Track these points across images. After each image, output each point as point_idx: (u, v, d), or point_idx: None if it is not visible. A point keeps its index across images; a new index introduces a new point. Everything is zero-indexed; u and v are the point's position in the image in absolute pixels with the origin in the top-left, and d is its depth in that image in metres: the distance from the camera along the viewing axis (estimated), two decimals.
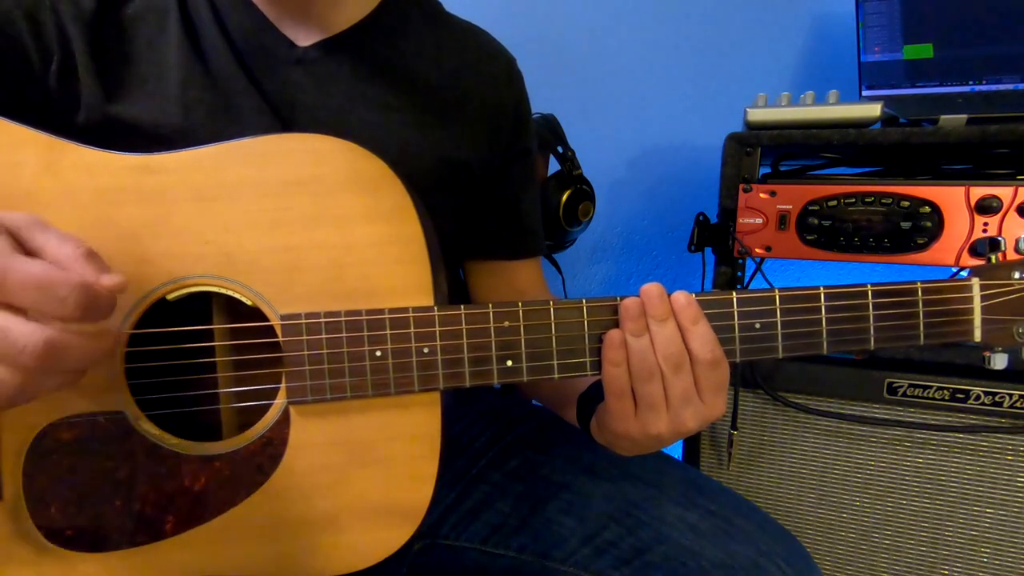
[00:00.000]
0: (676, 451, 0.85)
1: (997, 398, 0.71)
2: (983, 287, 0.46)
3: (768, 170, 0.85)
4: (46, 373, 0.34)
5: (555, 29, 1.18)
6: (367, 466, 0.45)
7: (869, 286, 0.45)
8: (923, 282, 0.46)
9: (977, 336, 0.46)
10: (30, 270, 0.32)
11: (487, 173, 0.66)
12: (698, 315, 0.43)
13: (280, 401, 0.44)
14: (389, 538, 0.46)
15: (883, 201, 0.72)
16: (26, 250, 0.34)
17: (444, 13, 0.67)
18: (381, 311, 0.43)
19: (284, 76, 0.56)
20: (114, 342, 0.39)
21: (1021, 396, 0.70)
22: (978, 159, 0.81)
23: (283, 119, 0.55)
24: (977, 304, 0.46)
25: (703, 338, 0.43)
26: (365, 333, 0.43)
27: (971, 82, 0.88)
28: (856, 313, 0.45)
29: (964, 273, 0.47)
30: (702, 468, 0.84)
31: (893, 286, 0.45)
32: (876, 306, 0.45)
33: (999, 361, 0.47)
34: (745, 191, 0.76)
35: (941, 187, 0.70)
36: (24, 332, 0.32)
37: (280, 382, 0.44)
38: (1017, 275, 0.45)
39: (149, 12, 0.54)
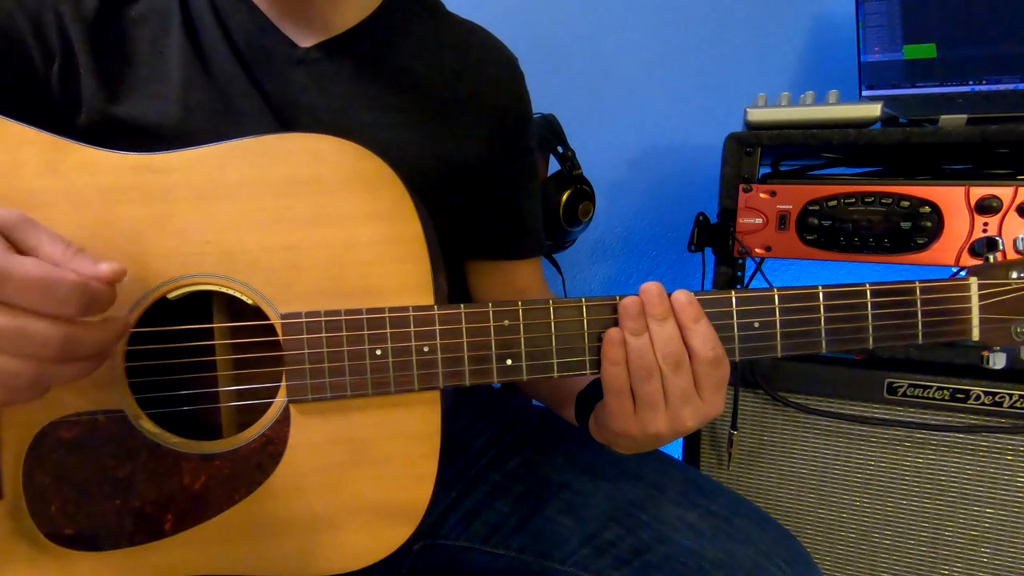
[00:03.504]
0: (676, 451, 0.85)
1: (997, 398, 0.71)
2: (981, 286, 0.46)
3: (768, 170, 0.85)
4: (64, 363, 0.36)
5: (555, 29, 1.18)
6: (367, 465, 0.45)
7: (867, 285, 0.45)
8: (921, 281, 0.46)
9: (975, 335, 0.46)
10: (30, 272, 0.33)
11: (487, 173, 0.66)
12: (699, 313, 0.44)
13: (280, 400, 0.44)
14: (389, 537, 0.46)
15: (883, 201, 0.72)
16: (19, 250, 0.35)
17: (446, 12, 0.67)
18: (381, 310, 0.43)
19: (285, 77, 0.56)
20: (123, 328, 0.39)
21: (1021, 396, 0.70)
22: (978, 159, 0.81)
23: (283, 120, 0.55)
24: (975, 303, 0.46)
25: (704, 336, 0.43)
26: (365, 332, 0.43)
27: (971, 82, 0.88)
28: (854, 312, 0.45)
29: (963, 273, 0.47)
30: (702, 468, 0.84)
31: (891, 285, 0.45)
32: (874, 305, 0.45)
33: (998, 360, 0.47)
34: (745, 191, 0.76)
35: (941, 187, 0.70)
36: (42, 328, 0.34)
37: (280, 381, 0.44)
38: (1015, 275, 0.45)
39: (152, 14, 0.54)
